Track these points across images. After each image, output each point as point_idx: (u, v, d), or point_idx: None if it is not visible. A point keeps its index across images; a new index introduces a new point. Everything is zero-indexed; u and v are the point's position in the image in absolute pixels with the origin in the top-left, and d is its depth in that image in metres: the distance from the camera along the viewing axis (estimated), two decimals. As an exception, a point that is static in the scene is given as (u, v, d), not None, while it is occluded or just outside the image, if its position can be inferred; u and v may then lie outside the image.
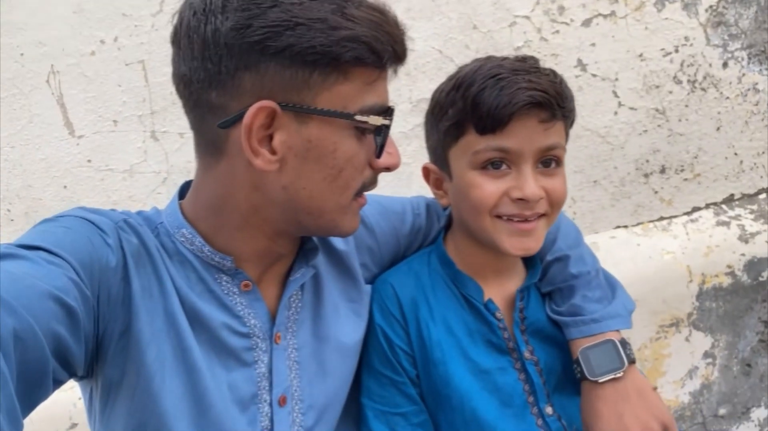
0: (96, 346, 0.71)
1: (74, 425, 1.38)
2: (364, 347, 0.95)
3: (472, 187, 0.88)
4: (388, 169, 0.79)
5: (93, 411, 0.80)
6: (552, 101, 0.84)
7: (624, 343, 0.90)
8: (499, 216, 0.88)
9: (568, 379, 0.95)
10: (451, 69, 1.59)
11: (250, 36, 0.67)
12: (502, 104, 0.83)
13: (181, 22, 0.71)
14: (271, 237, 0.80)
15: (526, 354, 0.93)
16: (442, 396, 0.92)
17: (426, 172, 1.00)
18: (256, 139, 0.70)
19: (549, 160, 0.88)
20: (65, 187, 1.46)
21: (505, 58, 0.90)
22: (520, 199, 0.86)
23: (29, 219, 1.45)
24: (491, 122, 0.84)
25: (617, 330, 0.93)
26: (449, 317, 0.95)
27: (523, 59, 0.90)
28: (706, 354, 1.66)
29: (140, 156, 1.49)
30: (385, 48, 0.71)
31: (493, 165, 0.87)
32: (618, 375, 0.87)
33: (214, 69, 0.69)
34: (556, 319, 0.95)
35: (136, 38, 1.46)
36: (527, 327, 0.95)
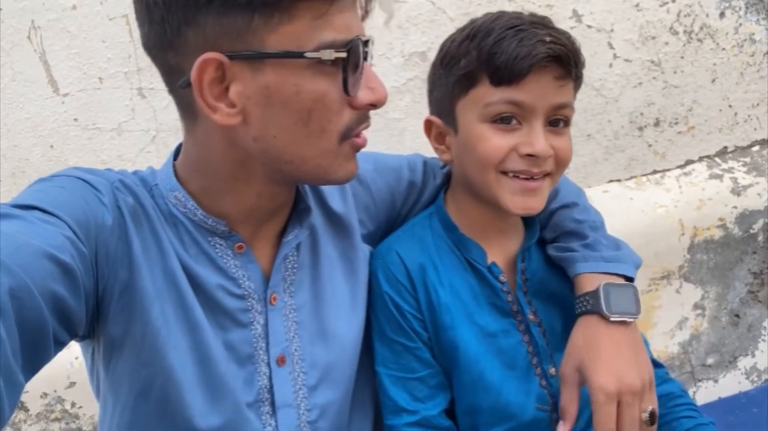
0: (96, 304, 0.71)
1: (72, 384, 1.39)
2: (374, 315, 0.94)
3: (480, 140, 0.85)
4: (373, 106, 0.74)
5: (95, 372, 0.81)
6: (570, 57, 0.82)
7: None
8: (504, 173, 0.86)
9: (567, 337, 0.96)
10: (444, 21, 1.57)
11: None
12: (521, 55, 0.80)
13: None
14: (260, 193, 0.79)
15: (530, 316, 0.93)
16: (450, 359, 0.93)
17: (428, 126, 0.96)
18: (210, 94, 0.68)
19: (558, 120, 0.86)
20: (52, 146, 1.44)
21: (520, 13, 0.87)
22: (529, 155, 0.84)
23: (16, 179, 1.43)
24: (508, 73, 0.81)
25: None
26: (455, 281, 0.94)
27: (540, 16, 0.87)
28: (695, 306, 1.68)
29: (128, 114, 1.46)
30: None
31: (503, 120, 0.84)
32: (630, 320, 0.86)
33: (161, 30, 0.68)
34: (561, 257, 0.94)
35: (118, -9, 1.41)
36: (529, 289, 0.95)
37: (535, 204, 0.87)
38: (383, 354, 0.94)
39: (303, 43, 0.67)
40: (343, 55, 0.68)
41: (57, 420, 1.40)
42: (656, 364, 1.02)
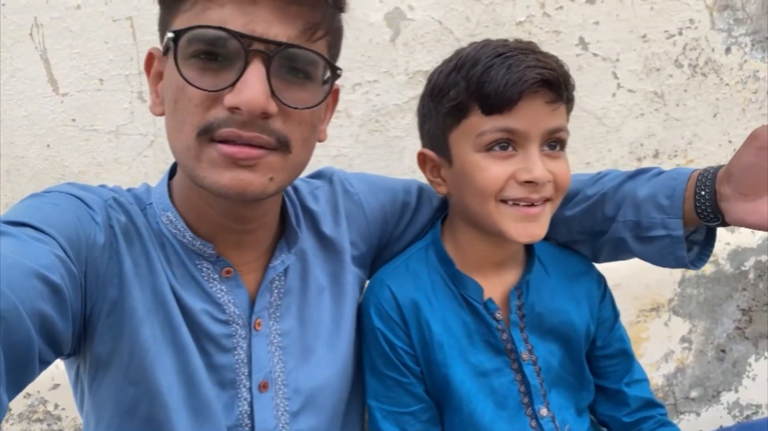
0: (83, 323, 0.71)
1: (56, 386, 1.38)
2: (366, 349, 0.94)
3: (477, 170, 0.84)
4: (236, 108, 0.65)
5: (79, 389, 0.81)
6: (560, 81, 0.82)
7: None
8: (504, 201, 0.85)
9: (566, 372, 0.96)
10: (450, 41, 1.57)
11: None
12: (510, 82, 0.79)
13: None
14: (216, 209, 0.78)
15: (524, 355, 0.92)
16: (442, 395, 0.93)
17: (422, 159, 0.95)
18: (153, 85, 0.75)
19: (554, 143, 0.85)
20: (48, 145, 1.42)
21: (506, 40, 0.87)
22: (528, 182, 0.82)
23: (11, 177, 1.42)
24: (498, 101, 0.80)
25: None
26: (449, 317, 0.93)
27: (526, 42, 0.87)
28: (683, 339, 1.69)
29: (127, 117, 1.44)
30: None
31: (499, 146, 0.83)
32: None
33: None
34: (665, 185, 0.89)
35: (124, -7, 1.40)
36: (526, 324, 0.94)
37: (537, 230, 0.85)
38: (375, 387, 0.93)
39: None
40: (171, 36, 0.66)
41: (39, 421, 1.39)
42: (656, 404, 1.02)
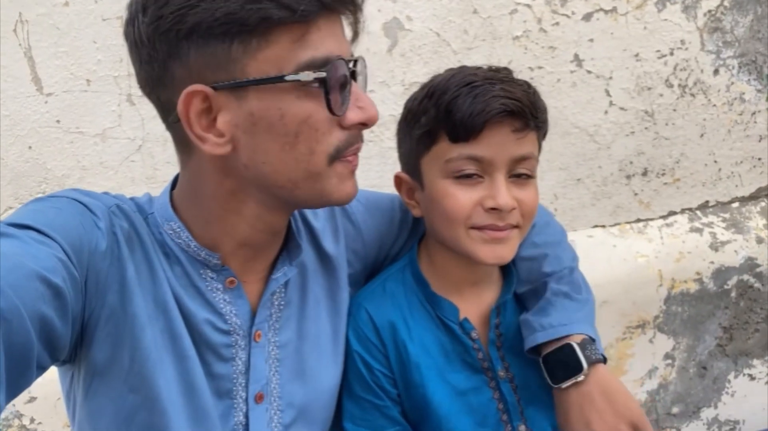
0: (81, 328, 0.71)
1: (33, 399, 1.33)
2: (344, 372, 0.94)
3: (445, 197, 0.87)
4: (363, 125, 0.73)
5: (73, 397, 0.79)
6: (526, 110, 0.83)
7: (586, 344, 0.87)
8: (472, 227, 0.87)
9: (543, 391, 0.95)
10: (447, 53, 1.56)
11: (163, 26, 0.65)
12: (475, 112, 0.82)
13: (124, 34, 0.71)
14: (253, 225, 0.78)
15: (501, 373, 0.93)
16: (421, 416, 0.93)
17: (398, 181, 0.97)
18: (199, 125, 0.69)
19: (521, 172, 0.87)
20: (30, 147, 1.36)
21: (479, 68, 0.89)
22: (493, 209, 0.85)
23: (-11, 179, 1.36)
24: (464, 130, 0.83)
25: (582, 334, 0.89)
26: (426, 338, 0.94)
27: (497, 69, 0.89)
28: (666, 356, 1.71)
29: (114, 120, 1.39)
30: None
31: (465, 174, 0.85)
32: (579, 379, 0.85)
33: (150, 68, 0.69)
34: (521, 324, 0.94)
35: (115, -9, 1.35)
36: (504, 343, 0.95)
37: (505, 252, 0.88)
38: (351, 410, 0.93)
39: (283, 66, 0.67)
40: (323, 75, 0.68)
41: (13, 435, 1.33)
42: None
